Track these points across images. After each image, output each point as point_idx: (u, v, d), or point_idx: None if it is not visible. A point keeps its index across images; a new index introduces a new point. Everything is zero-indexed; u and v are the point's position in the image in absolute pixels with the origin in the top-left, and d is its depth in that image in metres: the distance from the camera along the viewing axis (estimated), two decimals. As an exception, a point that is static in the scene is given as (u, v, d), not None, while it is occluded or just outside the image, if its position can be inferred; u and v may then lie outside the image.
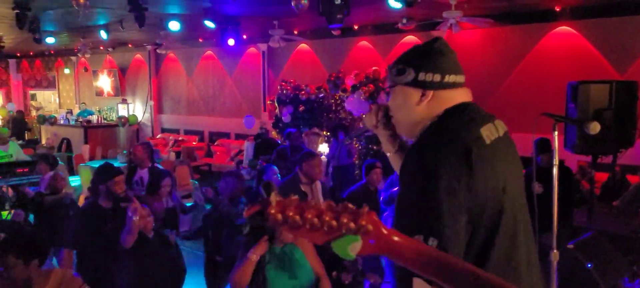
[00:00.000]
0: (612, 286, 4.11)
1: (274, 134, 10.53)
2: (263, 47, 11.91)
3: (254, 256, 2.95)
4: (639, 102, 4.44)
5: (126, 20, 8.48)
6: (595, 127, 3.02)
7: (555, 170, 2.96)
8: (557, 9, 7.75)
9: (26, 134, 15.77)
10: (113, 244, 3.43)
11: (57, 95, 18.26)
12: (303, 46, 11.40)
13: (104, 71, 15.96)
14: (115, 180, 3.81)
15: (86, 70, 16.04)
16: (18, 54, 17.29)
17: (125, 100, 15.45)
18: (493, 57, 8.71)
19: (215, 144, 13.05)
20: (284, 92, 10.53)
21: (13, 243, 2.42)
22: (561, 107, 4.65)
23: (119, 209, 3.66)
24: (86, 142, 13.41)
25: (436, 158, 1.39)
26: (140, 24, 7.26)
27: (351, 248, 0.97)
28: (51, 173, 5.84)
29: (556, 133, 2.95)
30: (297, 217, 0.94)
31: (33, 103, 18.75)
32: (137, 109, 15.39)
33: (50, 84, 18.28)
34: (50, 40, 10.77)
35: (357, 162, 8.74)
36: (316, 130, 9.44)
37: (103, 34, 9.72)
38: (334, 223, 0.94)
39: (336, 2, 5.86)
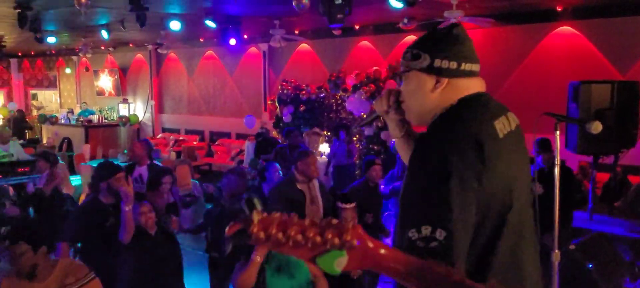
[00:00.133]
0: (612, 287, 4.10)
1: (274, 133, 10.52)
2: (264, 46, 11.89)
3: (258, 257, 2.92)
4: (640, 102, 4.44)
5: (127, 20, 8.48)
6: (597, 127, 3.00)
7: (557, 170, 2.95)
8: (559, 9, 7.73)
9: (27, 134, 15.76)
10: (114, 240, 3.45)
11: (58, 94, 18.26)
12: (304, 46, 11.38)
13: (105, 71, 15.97)
14: (116, 177, 3.82)
15: (87, 69, 16.04)
16: (19, 54, 17.30)
17: (126, 99, 15.46)
18: (494, 57, 8.68)
19: (216, 143, 13.04)
20: (285, 91, 10.52)
21: (22, 232, 2.57)
22: (562, 107, 4.64)
23: (119, 205, 3.67)
24: (87, 142, 13.42)
25: (448, 150, 1.33)
26: (141, 24, 7.26)
27: (337, 263, 0.96)
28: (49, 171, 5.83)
29: (557, 133, 2.94)
30: (281, 235, 0.93)
31: (34, 102, 18.76)
32: (138, 108, 15.39)
33: (52, 84, 18.29)
34: (51, 39, 10.77)
35: (357, 162, 8.72)
36: (317, 130, 9.46)
37: (104, 34, 9.71)
38: (318, 239, 0.93)
39: (337, 2, 5.84)
